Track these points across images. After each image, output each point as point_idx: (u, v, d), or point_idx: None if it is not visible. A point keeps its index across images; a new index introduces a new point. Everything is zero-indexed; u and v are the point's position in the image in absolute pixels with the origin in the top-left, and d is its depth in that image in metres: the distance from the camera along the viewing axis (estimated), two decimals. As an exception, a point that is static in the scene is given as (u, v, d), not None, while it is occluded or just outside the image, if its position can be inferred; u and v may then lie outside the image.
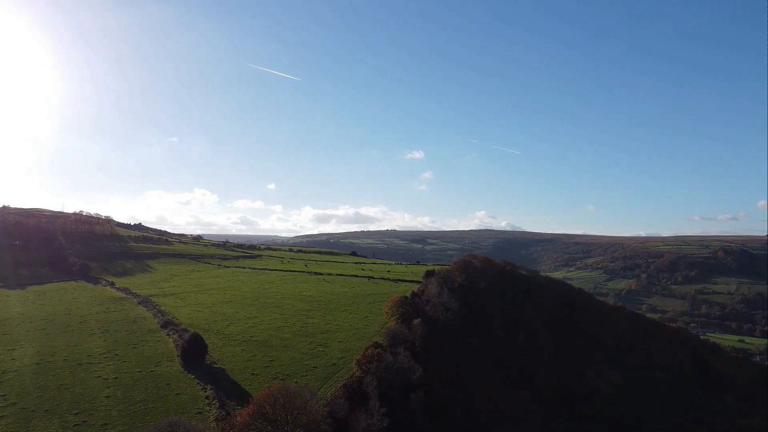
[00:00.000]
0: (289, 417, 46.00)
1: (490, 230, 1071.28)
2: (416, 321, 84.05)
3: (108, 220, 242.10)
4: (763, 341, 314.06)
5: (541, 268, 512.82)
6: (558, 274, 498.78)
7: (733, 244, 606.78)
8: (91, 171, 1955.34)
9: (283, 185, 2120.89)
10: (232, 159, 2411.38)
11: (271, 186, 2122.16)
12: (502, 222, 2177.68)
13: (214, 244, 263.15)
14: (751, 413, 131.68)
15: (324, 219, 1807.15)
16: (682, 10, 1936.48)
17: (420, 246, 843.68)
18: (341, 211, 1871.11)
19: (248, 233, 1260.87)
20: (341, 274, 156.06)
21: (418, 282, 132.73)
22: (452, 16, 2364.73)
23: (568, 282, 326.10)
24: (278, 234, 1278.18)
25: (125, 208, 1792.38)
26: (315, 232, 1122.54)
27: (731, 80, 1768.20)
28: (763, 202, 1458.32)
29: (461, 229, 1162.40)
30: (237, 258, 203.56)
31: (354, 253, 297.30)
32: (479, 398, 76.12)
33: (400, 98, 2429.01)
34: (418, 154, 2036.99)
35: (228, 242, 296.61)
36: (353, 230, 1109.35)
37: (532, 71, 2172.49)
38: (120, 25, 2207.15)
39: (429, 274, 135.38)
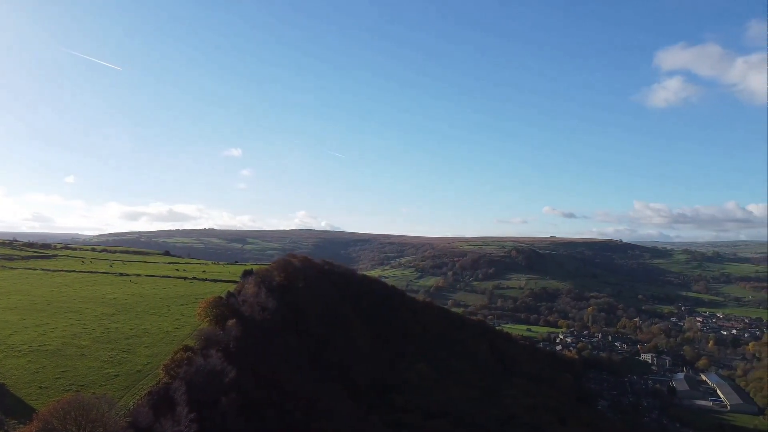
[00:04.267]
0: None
1: (311, 230, 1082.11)
2: (231, 321, 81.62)
3: None
4: (545, 329, 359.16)
5: (358, 267, 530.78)
6: (374, 273, 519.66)
7: (523, 245, 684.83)
8: None
9: (86, 179, 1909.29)
10: (21, 147, 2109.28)
11: (71, 179, 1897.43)
12: (322, 222, 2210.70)
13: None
14: (537, 393, 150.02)
15: (133, 216, 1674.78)
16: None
17: (240, 245, 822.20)
18: (153, 209, 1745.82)
19: (43, 231, 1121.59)
20: (152, 275, 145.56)
21: (235, 282, 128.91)
22: (276, 11, 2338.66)
23: (384, 280, 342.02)
24: (80, 232, 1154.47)
25: None
26: (123, 230, 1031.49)
27: (523, 94, 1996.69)
28: (547, 208, 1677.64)
29: (282, 228, 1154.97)
30: (26, 258, 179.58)
31: (167, 253, 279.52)
32: (295, 396, 76.26)
33: (218, 93, 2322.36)
34: (236, 152, 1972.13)
35: (16, 240, 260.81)
36: (167, 228, 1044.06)
37: (354, 75, 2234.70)
38: None
39: (247, 273, 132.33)
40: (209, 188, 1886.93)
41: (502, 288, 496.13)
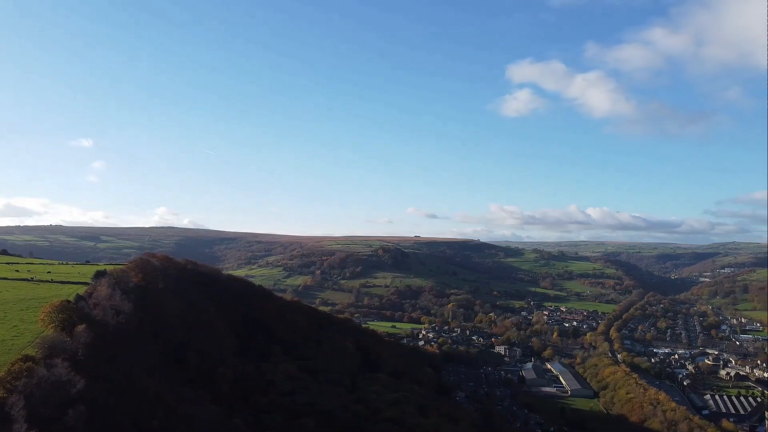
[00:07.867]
0: None
1: (173, 228, 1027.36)
2: (80, 327, 75.44)
3: None
4: (409, 326, 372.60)
5: (224, 267, 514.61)
6: (241, 272, 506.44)
7: (390, 244, 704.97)
8: None
9: None
10: None
11: None
12: (184, 219, 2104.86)
13: None
14: (400, 387, 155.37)
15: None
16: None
17: (92, 244, 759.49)
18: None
19: None
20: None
21: (86, 284, 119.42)
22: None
23: (251, 279, 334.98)
24: None
25: None
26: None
27: (390, 101, 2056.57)
28: (411, 209, 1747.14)
29: (140, 225, 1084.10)
30: None
31: (5, 252, 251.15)
32: (152, 403, 72.58)
33: (66, 76, 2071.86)
34: (86, 142, 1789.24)
35: None
36: (4, 225, 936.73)
37: (224, 63, 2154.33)
38: None
39: (99, 274, 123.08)
40: (55, 181, 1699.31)
41: (369, 286, 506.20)
